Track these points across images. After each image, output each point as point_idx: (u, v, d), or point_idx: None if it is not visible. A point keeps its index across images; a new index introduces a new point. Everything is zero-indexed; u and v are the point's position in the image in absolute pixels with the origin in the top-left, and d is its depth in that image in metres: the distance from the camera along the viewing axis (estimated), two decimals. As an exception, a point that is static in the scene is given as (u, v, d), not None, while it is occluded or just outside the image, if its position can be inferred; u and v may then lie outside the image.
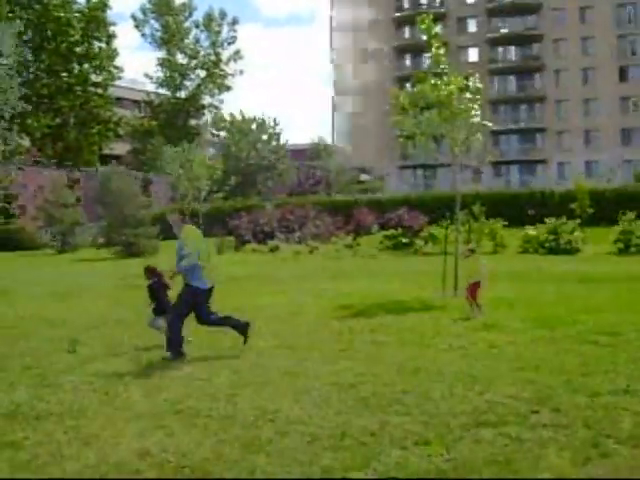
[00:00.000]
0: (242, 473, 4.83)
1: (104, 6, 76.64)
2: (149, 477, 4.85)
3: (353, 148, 73.63)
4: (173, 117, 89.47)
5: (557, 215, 32.52)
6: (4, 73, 24.83)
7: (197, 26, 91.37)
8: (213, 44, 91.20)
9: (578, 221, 32.51)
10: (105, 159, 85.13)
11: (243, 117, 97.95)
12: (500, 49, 74.25)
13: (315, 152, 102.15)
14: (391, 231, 36.30)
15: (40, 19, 67.61)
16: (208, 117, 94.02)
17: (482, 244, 31.86)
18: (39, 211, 54.89)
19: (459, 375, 7.43)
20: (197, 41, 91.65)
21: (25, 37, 56.69)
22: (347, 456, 5.08)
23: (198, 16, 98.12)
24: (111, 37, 79.34)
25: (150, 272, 10.24)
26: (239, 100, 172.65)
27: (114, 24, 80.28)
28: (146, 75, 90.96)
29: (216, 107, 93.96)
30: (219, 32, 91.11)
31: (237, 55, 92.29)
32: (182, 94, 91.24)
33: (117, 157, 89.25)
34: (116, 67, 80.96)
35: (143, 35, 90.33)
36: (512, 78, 73.82)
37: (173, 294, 9.81)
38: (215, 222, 40.00)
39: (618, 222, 30.38)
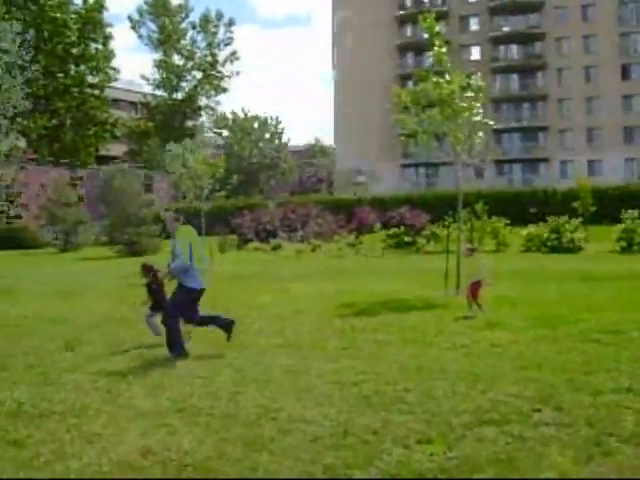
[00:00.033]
0: (244, 471, 4.83)
1: (101, 7, 76.61)
2: (152, 475, 4.85)
3: (354, 147, 73.50)
4: (169, 118, 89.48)
5: (559, 213, 32.51)
6: (6, 72, 24.84)
7: (194, 27, 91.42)
8: (209, 45, 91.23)
9: (580, 219, 32.50)
10: (102, 160, 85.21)
11: (245, 115, 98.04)
12: (502, 47, 74.14)
13: (312, 153, 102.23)
14: (393, 230, 36.31)
15: (36, 20, 67.67)
16: (205, 118, 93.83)
17: (484, 243, 31.89)
18: (42, 210, 54.95)
19: (462, 373, 7.43)
20: (194, 42, 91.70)
21: (22, 37, 56.75)
22: (349, 454, 5.08)
23: (195, 17, 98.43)
24: (108, 38, 79.28)
25: (147, 270, 10.23)
26: (236, 102, 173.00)
27: (111, 25, 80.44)
28: (142, 77, 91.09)
29: (212, 108, 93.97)
30: (215, 33, 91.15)
31: (233, 56, 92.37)
32: (178, 95, 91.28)
33: (114, 158, 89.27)
34: (113, 68, 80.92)
35: (140, 36, 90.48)
36: (514, 76, 73.73)
37: (168, 290, 9.82)
38: (217, 221, 40.07)
39: (621, 220, 30.35)
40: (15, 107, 25.40)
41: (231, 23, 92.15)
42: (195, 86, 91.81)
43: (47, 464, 5.10)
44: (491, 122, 17.88)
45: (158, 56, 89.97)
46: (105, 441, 5.58)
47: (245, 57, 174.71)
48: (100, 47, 78.28)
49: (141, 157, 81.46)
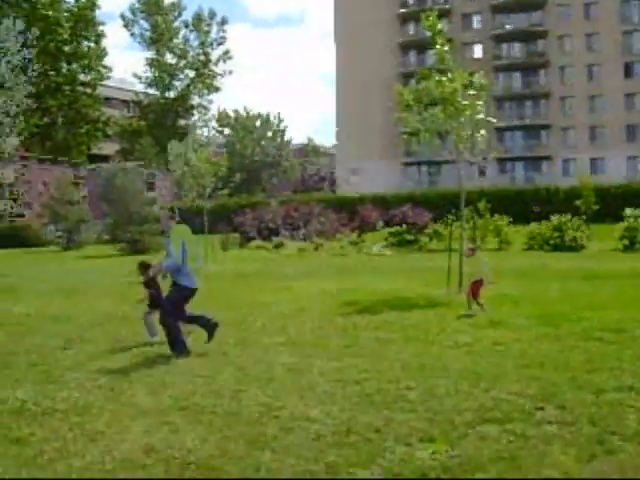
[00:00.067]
0: (247, 469, 4.84)
1: (93, 5, 76.57)
2: (155, 474, 4.85)
3: (356, 145, 73.43)
4: (162, 117, 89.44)
5: (562, 212, 32.50)
6: (9, 70, 24.85)
7: (186, 26, 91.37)
8: (202, 44, 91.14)
9: (583, 218, 32.48)
10: (94, 159, 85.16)
11: (247, 114, 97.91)
12: (505, 45, 74.00)
13: (304, 153, 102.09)
14: (396, 228, 36.33)
15: (28, 18, 67.67)
16: (197, 116, 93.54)
17: (487, 241, 31.89)
18: (44, 208, 55.04)
19: (464, 372, 7.42)
20: (186, 41, 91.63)
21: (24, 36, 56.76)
22: (352, 453, 5.08)
23: (187, 16, 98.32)
24: (100, 36, 79.30)
25: (145, 268, 10.22)
26: (228, 101, 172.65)
27: (103, 23, 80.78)
28: (135, 75, 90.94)
29: (205, 107, 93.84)
30: (208, 32, 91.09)
31: (226, 55, 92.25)
32: (171, 94, 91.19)
33: (106, 157, 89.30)
34: (105, 67, 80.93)
35: (132, 35, 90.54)
36: (517, 74, 73.61)
37: (164, 289, 9.82)
38: (220, 219, 40.12)
39: (623, 219, 30.34)
40: (18, 106, 25.42)
41: (224, 22, 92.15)
42: (187, 85, 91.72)
43: (50, 462, 5.11)
44: (493, 120, 17.88)
45: (150, 55, 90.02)
46: (108, 439, 5.58)
47: (238, 56, 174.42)
48: (92, 45, 78.26)
49: (133, 156, 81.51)
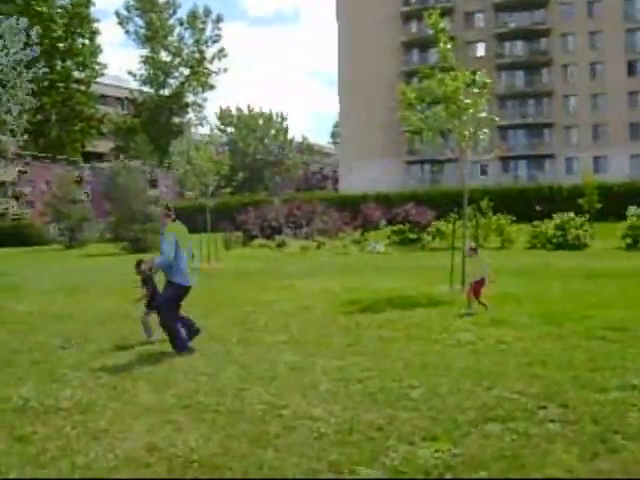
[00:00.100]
0: (250, 468, 4.84)
1: (87, 2, 76.45)
2: (157, 472, 4.86)
3: (359, 144, 73.39)
4: (156, 115, 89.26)
5: (565, 210, 32.48)
6: (12, 69, 24.86)
7: (181, 23, 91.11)
8: (197, 42, 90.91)
9: (586, 216, 32.46)
10: (88, 157, 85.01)
11: (250, 112, 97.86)
12: (507, 44, 73.89)
13: (299, 151, 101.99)
14: (398, 226, 36.33)
15: (22, 14, 67.62)
16: (192, 114, 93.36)
17: (489, 239, 31.88)
18: (47, 207, 55.06)
19: (467, 370, 7.42)
20: (181, 39, 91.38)
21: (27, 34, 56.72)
22: (354, 451, 5.08)
23: (182, 13, 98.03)
24: (94, 34, 79.14)
25: (141, 267, 10.19)
26: (223, 99, 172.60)
27: (97, 21, 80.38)
28: (130, 73, 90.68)
29: (200, 105, 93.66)
30: (203, 30, 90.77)
31: (221, 53, 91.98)
32: (165, 92, 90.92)
33: (100, 155, 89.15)
34: (99, 64, 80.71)
35: (127, 32, 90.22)
36: (520, 73, 73.49)
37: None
38: (223, 217, 40.13)
39: (626, 217, 30.31)
40: (22, 104, 25.43)
41: (219, 20, 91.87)
42: (182, 83, 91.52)
43: (53, 460, 5.11)
44: (496, 118, 17.87)
45: (145, 52, 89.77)
46: (111, 437, 5.59)
47: (233, 54, 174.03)
48: (87, 42, 78.11)
49: (128, 154, 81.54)
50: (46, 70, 30.56)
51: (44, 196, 65.85)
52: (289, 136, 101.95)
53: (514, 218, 33.69)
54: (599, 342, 8.82)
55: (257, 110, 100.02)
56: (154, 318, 9.60)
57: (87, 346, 9.57)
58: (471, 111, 15.13)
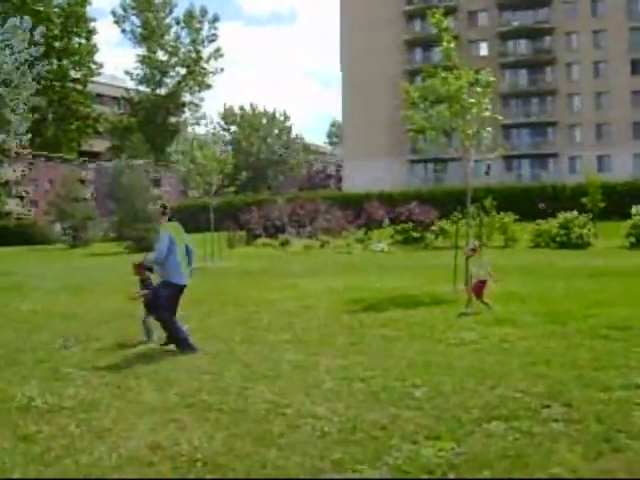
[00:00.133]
0: (254, 467, 4.84)
1: (84, 1, 76.35)
2: (161, 471, 4.86)
3: (362, 143, 73.36)
4: (152, 114, 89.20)
5: (568, 209, 32.45)
6: (15, 68, 24.89)
7: (178, 23, 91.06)
8: (194, 41, 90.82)
9: (589, 215, 32.43)
10: (84, 156, 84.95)
11: (253, 111, 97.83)
12: (511, 42, 73.80)
13: (294, 150, 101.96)
14: (402, 225, 36.33)
15: (18, 12, 67.68)
16: (189, 113, 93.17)
17: (493, 238, 31.86)
18: (51, 206, 55.15)
19: (470, 369, 7.42)
20: (177, 38, 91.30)
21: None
22: (358, 450, 5.08)
23: (179, 13, 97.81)
24: (91, 33, 79.12)
25: (141, 268, 10.17)
26: (219, 99, 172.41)
27: (94, 20, 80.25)
28: (126, 72, 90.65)
29: (196, 105, 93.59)
30: (200, 29, 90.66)
31: (218, 53, 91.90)
32: (162, 91, 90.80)
33: (96, 154, 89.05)
34: (96, 63, 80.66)
35: (123, 31, 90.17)
36: (523, 71, 73.40)
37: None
38: (226, 216, 40.14)
39: (630, 216, 30.28)
40: (26, 104, 25.45)
41: (215, 19, 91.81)
42: (179, 82, 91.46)
43: (57, 459, 5.12)
44: (500, 117, 17.85)
45: (142, 51, 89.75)
46: (115, 436, 5.60)
47: (229, 54, 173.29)
48: (83, 41, 78.06)
49: (124, 153, 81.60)
50: (47, 69, 30.54)
51: (48, 195, 65.98)
52: (292, 135, 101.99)
53: (518, 217, 33.67)
54: (603, 341, 8.81)
55: (260, 109, 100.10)
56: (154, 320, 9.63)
57: (91, 345, 9.58)
58: (474, 110, 15.12)
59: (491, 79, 15.67)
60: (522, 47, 73.78)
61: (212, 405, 6.35)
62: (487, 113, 15.45)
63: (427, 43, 70.58)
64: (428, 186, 59.93)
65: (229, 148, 73.08)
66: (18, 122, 25.22)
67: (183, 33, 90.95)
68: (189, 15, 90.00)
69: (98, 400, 6.67)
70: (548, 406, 6.01)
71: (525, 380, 6.88)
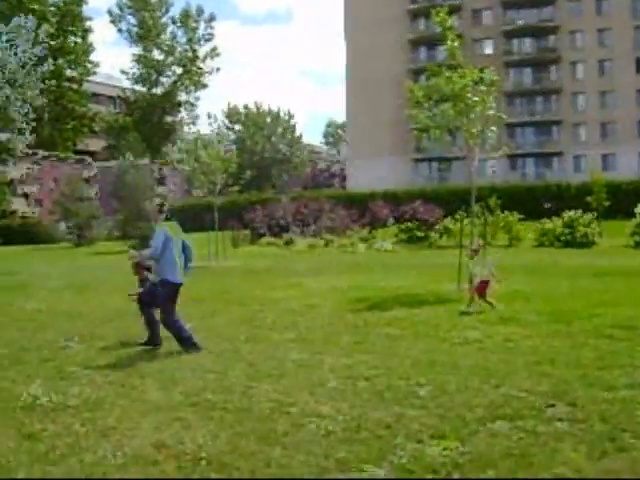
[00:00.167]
0: (258, 465, 4.85)
1: (80, 0, 76.20)
2: (165, 469, 4.87)
3: (367, 142, 73.34)
4: (148, 114, 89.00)
5: (573, 208, 32.42)
6: (20, 68, 24.93)
7: (174, 22, 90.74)
8: (190, 41, 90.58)
9: (594, 214, 32.39)
10: (80, 155, 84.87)
11: (258, 110, 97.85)
12: (515, 41, 73.71)
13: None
14: (406, 224, 36.31)
15: (13, 11, 67.67)
16: (185, 113, 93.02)
17: (497, 237, 31.83)
18: (55, 205, 55.25)
19: (474, 368, 7.42)
20: (174, 37, 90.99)
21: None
22: (362, 449, 5.08)
23: (175, 12, 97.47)
24: (87, 32, 79.01)
25: (140, 268, 10.15)
26: (215, 98, 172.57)
27: (90, 19, 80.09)
28: (122, 71, 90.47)
29: (192, 104, 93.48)
30: (196, 29, 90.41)
31: (214, 52, 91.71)
32: (158, 91, 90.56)
33: (92, 153, 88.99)
34: (91, 62, 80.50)
35: (119, 30, 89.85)
36: (528, 70, 73.30)
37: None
38: (230, 215, 40.18)
39: (635, 215, 30.23)
40: (31, 103, 25.50)
41: (211, 19, 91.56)
42: (175, 81, 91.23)
43: (62, 457, 5.13)
44: (504, 116, 17.84)
45: (138, 51, 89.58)
46: (119, 435, 5.60)
47: (225, 53, 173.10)
48: (79, 40, 77.95)
49: (120, 152, 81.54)
50: (51, 69, 30.54)
51: (52, 194, 66.06)
52: (296, 134, 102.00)
53: (522, 216, 33.63)
54: (607, 340, 8.79)
55: (265, 108, 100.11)
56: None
57: (95, 343, 9.60)
58: (479, 109, 15.11)
59: (495, 78, 15.66)
60: (527, 46, 73.68)
61: (216, 404, 6.36)
62: (491, 112, 15.44)
63: (431, 42, 70.56)
64: (432, 185, 59.92)
65: (233, 147, 73.15)
66: (23, 121, 25.27)
67: (179, 32, 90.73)
68: (185, 14, 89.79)
69: (102, 399, 6.68)
70: (552, 405, 6.01)
71: (529, 379, 6.88)
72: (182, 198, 78.03)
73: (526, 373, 7.14)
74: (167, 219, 9.38)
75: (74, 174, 58.13)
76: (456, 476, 4.58)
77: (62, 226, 53.83)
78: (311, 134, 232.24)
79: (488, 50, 73.05)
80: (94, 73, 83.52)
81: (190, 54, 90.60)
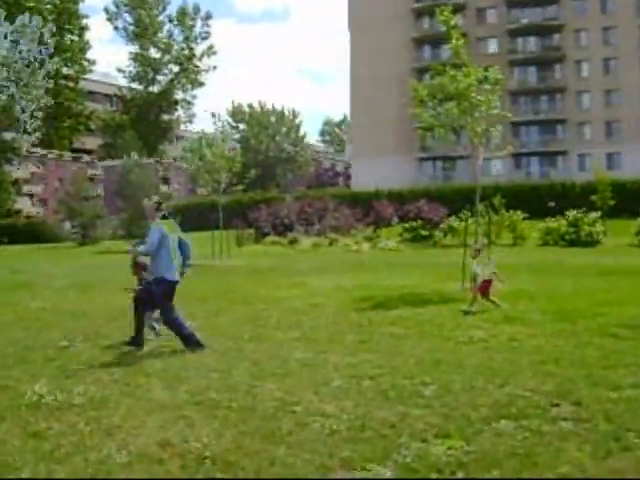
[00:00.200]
0: (262, 464, 4.85)
1: None
2: (170, 468, 4.88)
3: (371, 140, 73.30)
4: (145, 112, 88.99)
5: (578, 207, 32.35)
6: (25, 67, 24.97)
7: (170, 20, 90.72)
8: (186, 39, 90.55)
9: (599, 213, 32.32)
10: (76, 153, 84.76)
11: (262, 109, 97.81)
12: (520, 40, 73.56)
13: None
14: (410, 223, 36.29)
15: (10, 10, 67.51)
16: (182, 111, 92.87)
17: (502, 236, 31.79)
18: (60, 204, 55.36)
19: (479, 368, 7.41)
20: (170, 35, 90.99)
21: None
22: (367, 448, 5.08)
23: (172, 10, 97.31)
24: (83, 30, 78.92)
25: (139, 267, 10.14)
26: (212, 96, 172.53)
27: (86, 17, 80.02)
28: (119, 69, 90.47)
29: (189, 102, 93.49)
30: (193, 27, 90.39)
31: (210, 50, 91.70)
32: (155, 89, 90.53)
33: (89, 152, 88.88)
34: (88, 60, 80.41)
35: (116, 28, 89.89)
36: (532, 69, 73.15)
37: None
38: (235, 214, 40.21)
39: (640, 214, 30.18)
40: (36, 103, 25.54)
41: (208, 17, 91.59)
42: (171, 80, 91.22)
43: (67, 456, 5.14)
44: (509, 115, 17.81)
45: (134, 49, 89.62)
46: (124, 433, 5.61)
47: (222, 51, 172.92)
48: (75, 38, 77.88)
49: (116, 151, 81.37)
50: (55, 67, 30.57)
51: (57, 193, 66.19)
52: (300, 133, 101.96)
53: (527, 215, 33.58)
54: (612, 339, 8.78)
55: (269, 107, 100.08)
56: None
57: (100, 342, 9.61)
58: (483, 108, 15.09)
59: (500, 76, 15.64)
60: (531, 44, 73.53)
61: (221, 403, 6.37)
62: (496, 111, 15.42)
63: (436, 41, 70.49)
64: (437, 184, 59.86)
65: (238, 146, 73.16)
66: (28, 121, 25.31)
67: (176, 30, 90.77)
68: (182, 12, 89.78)
69: (107, 397, 6.70)
70: (557, 405, 6.00)
71: (534, 378, 6.87)
72: (187, 197, 78.10)
73: (531, 372, 7.14)
74: (164, 217, 9.37)
75: (79, 173, 58.16)
76: (460, 475, 4.58)
77: (67, 225, 53.94)
78: (308, 132, 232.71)
79: (492, 49, 72.94)
80: (90, 71, 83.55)
81: (187, 52, 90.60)
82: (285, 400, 6.37)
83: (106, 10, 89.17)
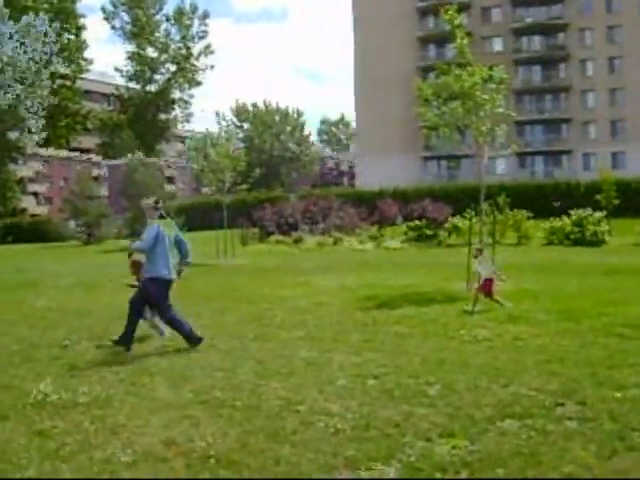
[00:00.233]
0: (267, 463, 4.86)
1: None
2: (175, 467, 4.89)
3: (376, 139, 73.26)
4: (142, 111, 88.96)
5: (582, 206, 32.27)
6: (29, 66, 25.03)
7: (168, 20, 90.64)
8: (184, 38, 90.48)
9: (604, 212, 32.23)
10: (73, 152, 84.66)
11: (266, 108, 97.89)
12: (524, 39, 73.49)
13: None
14: (415, 222, 36.24)
15: (7, 7, 67.59)
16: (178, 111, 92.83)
17: (506, 235, 31.74)
18: (65, 203, 55.45)
19: (484, 367, 7.41)
20: (167, 35, 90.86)
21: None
22: (371, 447, 5.09)
23: (169, 10, 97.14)
24: (80, 29, 78.86)
25: (139, 267, 10.12)
26: (210, 96, 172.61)
27: (83, 16, 79.83)
28: (116, 69, 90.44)
29: (186, 102, 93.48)
30: (190, 26, 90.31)
31: (208, 50, 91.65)
32: (152, 88, 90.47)
33: (86, 151, 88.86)
34: (85, 59, 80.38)
35: (113, 28, 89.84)
36: (537, 68, 73.08)
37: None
38: (239, 214, 40.19)
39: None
40: (41, 102, 25.62)
41: (205, 16, 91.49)
42: (169, 79, 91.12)
43: (72, 455, 5.16)
44: (513, 114, 17.79)
45: (131, 48, 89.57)
46: (129, 432, 5.63)
47: (219, 51, 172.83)
48: (72, 38, 77.89)
49: (113, 150, 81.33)
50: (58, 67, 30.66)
51: (62, 192, 66.32)
52: (305, 132, 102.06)
53: (531, 214, 33.52)
54: (617, 339, 8.76)
55: (273, 106, 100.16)
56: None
57: (105, 341, 9.61)
58: (488, 107, 15.06)
59: (504, 75, 15.61)
60: (536, 43, 73.45)
61: (225, 402, 6.38)
62: (500, 110, 15.39)
63: (440, 40, 70.45)
64: (441, 183, 59.77)
65: (242, 145, 73.16)
66: (33, 120, 25.38)
67: (173, 30, 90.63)
68: (179, 12, 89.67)
69: (112, 396, 6.71)
70: (562, 404, 6.00)
71: (539, 378, 6.86)
72: (191, 196, 78.17)
73: (535, 372, 7.13)
74: (161, 217, 9.38)
75: (84, 173, 58.26)
76: (465, 475, 4.58)
77: (72, 224, 54.01)
78: (311, 132, 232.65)
79: (497, 48, 72.84)
80: (87, 70, 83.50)
81: (184, 51, 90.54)
82: (290, 399, 6.37)
83: (103, 9, 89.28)
